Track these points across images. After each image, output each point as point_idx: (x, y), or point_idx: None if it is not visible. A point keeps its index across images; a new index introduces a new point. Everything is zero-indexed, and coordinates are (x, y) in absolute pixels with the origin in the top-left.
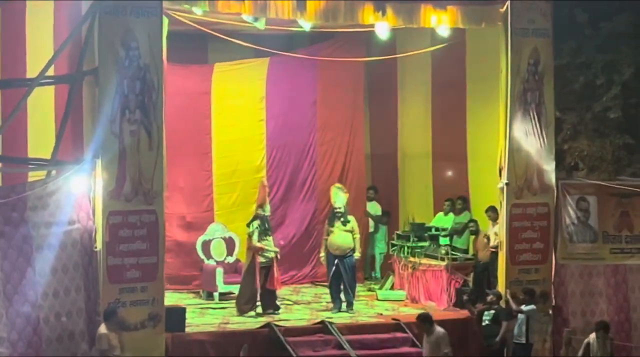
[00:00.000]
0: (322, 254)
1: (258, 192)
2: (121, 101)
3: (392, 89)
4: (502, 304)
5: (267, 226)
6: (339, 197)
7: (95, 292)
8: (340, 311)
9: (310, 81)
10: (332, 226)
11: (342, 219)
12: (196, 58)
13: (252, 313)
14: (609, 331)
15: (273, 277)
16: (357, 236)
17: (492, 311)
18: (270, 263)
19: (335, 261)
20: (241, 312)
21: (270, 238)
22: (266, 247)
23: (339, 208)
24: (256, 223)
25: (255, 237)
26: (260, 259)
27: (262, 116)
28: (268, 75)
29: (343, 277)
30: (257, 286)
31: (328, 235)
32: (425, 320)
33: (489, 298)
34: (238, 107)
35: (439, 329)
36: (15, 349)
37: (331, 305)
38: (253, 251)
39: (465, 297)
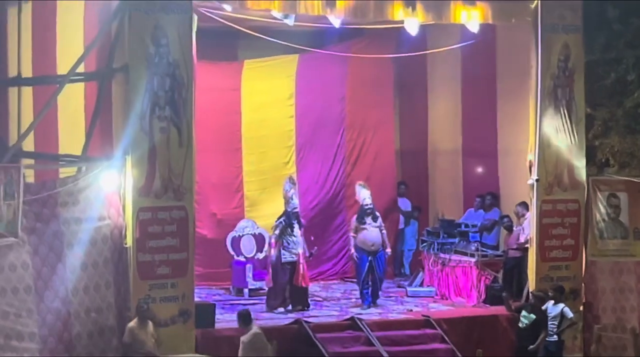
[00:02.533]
0: (353, 251)
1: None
2: (151, 98)
3: (422, 85)
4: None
5: (293, 221)
6: (364, 194)
7: (125, 288)
8: (370, 307)
9: (339, 78)
10: (362, 223)
11: (371, 215)
12: (226, 55)
13: (282, 309)
14: None
15: (299, 274)
16: (384, 231)
17: (533, 316)
18: (295, 259)
19: (369, 258)
20: (271, 308)
21: (298, 234)
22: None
23: (369, 204)
24: (281, 219)
25: (275, 232)
26: (285, 255)
27: (291, 113)
28: (297, 72)
29: (375, 274)
30: (269, 279)
31: (356, 232)
32: (244, 317)
33: (531, 299)
34: (267, 104)
35: (254, 330)
36: (45, 345)
37: (360, 301)
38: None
39: (504, 294)
